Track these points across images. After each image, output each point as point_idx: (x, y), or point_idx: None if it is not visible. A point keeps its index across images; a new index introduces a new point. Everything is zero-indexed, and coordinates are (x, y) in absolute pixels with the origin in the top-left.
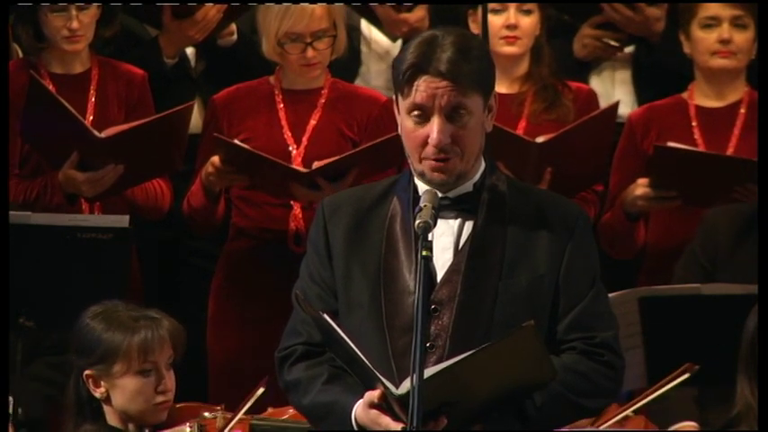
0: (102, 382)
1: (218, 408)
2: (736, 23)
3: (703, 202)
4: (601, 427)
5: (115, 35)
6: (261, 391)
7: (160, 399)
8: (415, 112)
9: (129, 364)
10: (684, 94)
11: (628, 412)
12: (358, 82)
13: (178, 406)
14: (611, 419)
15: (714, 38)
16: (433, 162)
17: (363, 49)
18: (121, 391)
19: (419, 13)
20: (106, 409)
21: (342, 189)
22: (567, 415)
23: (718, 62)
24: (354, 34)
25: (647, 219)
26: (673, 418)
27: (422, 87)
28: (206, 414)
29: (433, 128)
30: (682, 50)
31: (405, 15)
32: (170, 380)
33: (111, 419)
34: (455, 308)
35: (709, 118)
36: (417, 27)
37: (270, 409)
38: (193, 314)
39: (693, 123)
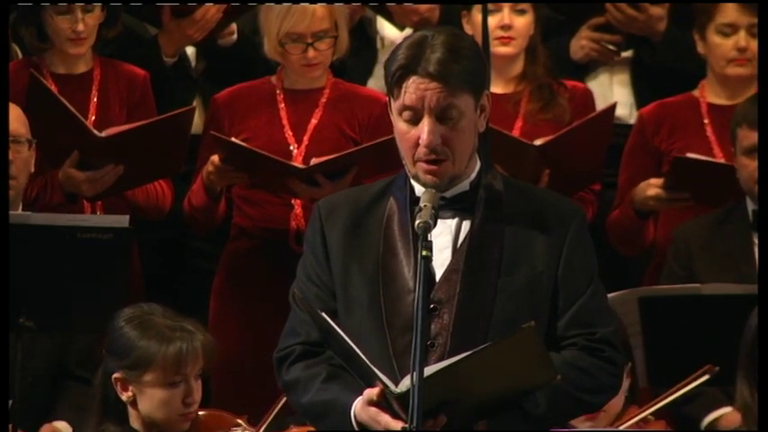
0: (131, 387)
1: (240, 420)
2: (752, 32)
3: (715, 202)
4: (621, 427)
5: (116, 35)
6: (284, 400)
7: (186, 410)
8: (406, 114)
9: (160, 374)
10: (695, 92)
11: (645, 414)
12: (372, 81)
13: (201, 413)
14: (630, 420)
15: (731, 45)
16: (425, 165)
17: (379, 48)
18: (149, 399)
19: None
20: (131, 412)
21: (341, 187)
22: (570, 411)
23: (735, 71)
24: (371, 34)
25: (657, 216)
26: (706, 408)
27: (411, 89)
28: (239, 429)
29: (424, 129)
30: (684, 50)
31: (415, 6)
32: (197, 391)
33: (135, 423)
34: (455, 306)
35: (720, 115)
36: (428, 17)
37: (293, 428)
38: (194, 314)
39: (705, 121)
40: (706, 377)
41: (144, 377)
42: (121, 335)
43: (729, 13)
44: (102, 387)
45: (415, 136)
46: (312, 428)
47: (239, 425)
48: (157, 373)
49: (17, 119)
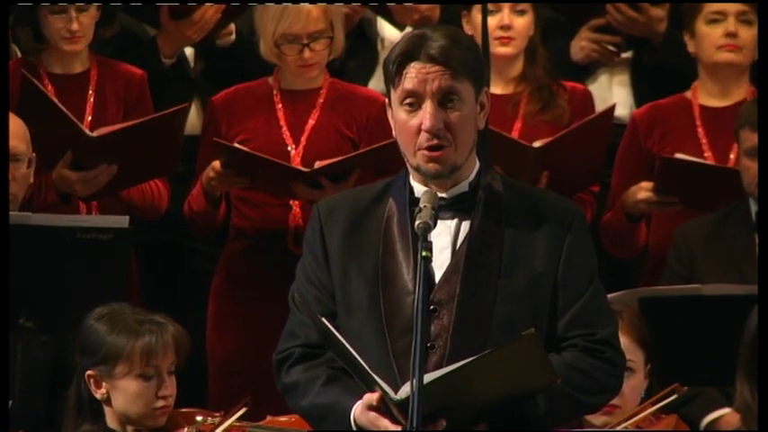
0: (104, 383)
1: (218, 414)
2: (741, 19)
3: (705, 207)
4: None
5: (114, 35)
6: (243, 411)
7: (160, 403)
8: (408, 100)
9: (131, 366)
10: (687, 94)
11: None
12: (373, 82)
13: (179, 411)
14: (640, 414)
15: (720, 32)
16: (427, 152)
17: (380, 50)
18: (122, 393)
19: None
20: (106, 410)
21: (344, 189)
22: (569, 412)
23: (725, 56)
24: (372, 35)
25: (649, 219)
26: (705, 408)
27: (412, 73)
28: (198, 418)
29: (426, 114)
30: (684, 50)
31: (415, 4)
32: (171, 385)
33: (111, 421)
34: (455, 307)
35: (713, 118)
36: (428, 15)
37: (268, 417)
38: (192, 315)
39: (697, 123)
40: (674, 396)
41: (115, 370)
42: (91, 332)
43: (717, 3)
44: (77, 387)
45: (416, 124)
46: (287, 418)
47: (215, 416)
48: (128, 364)
49: (18, 134)
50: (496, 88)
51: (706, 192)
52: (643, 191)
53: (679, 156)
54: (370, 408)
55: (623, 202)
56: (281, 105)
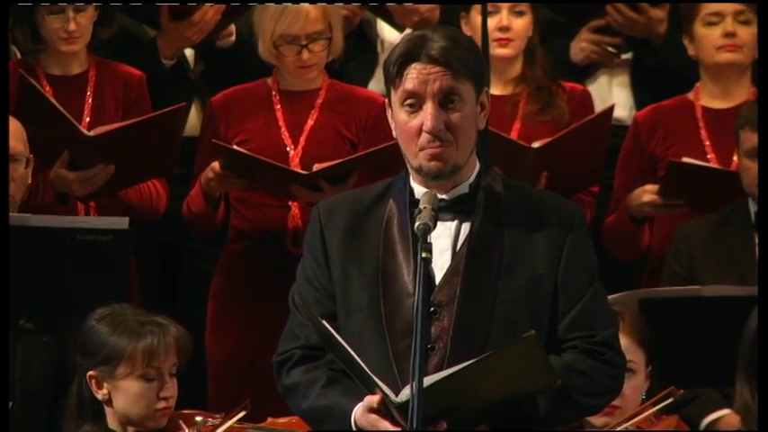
0: (105, 384)
1: (218, 416)
2: (739, 19)
3: (710, 208)
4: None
5: (113, 36)
6: (242, 414)
7: (161, 404)
8: (408, 101)
9: (132, 367)
10: (690, 95)
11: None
12: (372, 84)
13: (179, 412)
14: (642, 415)
15: (718, 33)
16: (428, 151)
17: (380, 52)
18: (123, 394)
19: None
20: (107, 411)
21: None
22: (570, 414)
23: (724, 56)
24: (372, 37)
25: (652, 220)
26: (705, 409)
27: (413, 74)
28: (198, 419)
29: (427, 114)
30: (684, 52)
31: (415, 5)
32: (172, 386)
33: (112, 422)
34: (455, 309)
35: (716, 120)
36: (428, 17)
37: (269, 419)
38: (191, 317)
39: (700, 125)
40: (670, 400)
41: (116, 371)
42: (92, 333)
43: (714, 3)
44: (78, 387)
45: (416, 125)
46: (288, 420)
47: (216, 417)
48: (129, 365)
49: (15, 135)
50: (495, 89)
51: (712, 194)
52: (648, 194)
53: (687, 159)
54: (371, 410)
55: (627, 205)
56: (279, 106)
